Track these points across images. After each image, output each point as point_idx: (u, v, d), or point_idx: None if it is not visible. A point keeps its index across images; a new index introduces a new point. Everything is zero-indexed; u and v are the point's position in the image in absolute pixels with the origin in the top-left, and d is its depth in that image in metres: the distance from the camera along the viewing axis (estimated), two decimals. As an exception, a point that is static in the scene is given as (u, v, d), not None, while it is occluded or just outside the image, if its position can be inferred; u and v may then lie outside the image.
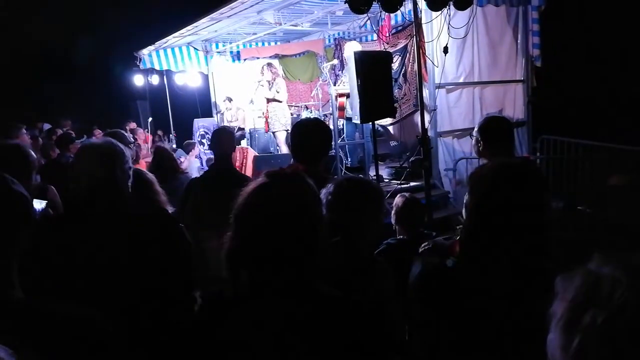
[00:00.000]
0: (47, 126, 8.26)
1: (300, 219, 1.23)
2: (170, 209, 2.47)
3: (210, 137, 9.75)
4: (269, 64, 8.09)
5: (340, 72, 7.89)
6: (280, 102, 7.75)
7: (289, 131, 8.16)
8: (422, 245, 2.15)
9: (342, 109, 7.00)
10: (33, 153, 2.39)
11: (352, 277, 1.62)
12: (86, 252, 1.63)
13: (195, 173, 6.63)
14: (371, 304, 1.54)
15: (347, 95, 6.88)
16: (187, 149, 8.01)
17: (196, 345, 1.27)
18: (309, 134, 2.57)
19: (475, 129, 2.85)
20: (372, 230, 1.83)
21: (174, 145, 10.64)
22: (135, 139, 8.49)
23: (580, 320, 0.73)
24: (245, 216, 1.24)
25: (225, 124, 9.14)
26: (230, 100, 9.53)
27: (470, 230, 1.40)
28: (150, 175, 2.55)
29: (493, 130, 2.81)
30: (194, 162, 7.95)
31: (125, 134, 4.20)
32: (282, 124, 7.76)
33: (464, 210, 1.45)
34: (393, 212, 3.06)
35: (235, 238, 1.24)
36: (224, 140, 3.50)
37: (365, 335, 1.22)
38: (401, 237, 2.98)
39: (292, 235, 1.21)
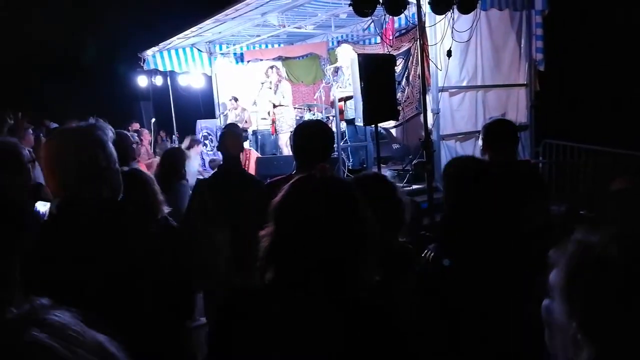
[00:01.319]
0: (54, 125, 8.26)
1: (342, 223, 1.18)
2: (166, 209, 2.45)
3: (212, 138, 9.81)
4: (273, 67, 8.14)
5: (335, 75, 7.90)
6: (286, 106, 7.82)
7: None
8: (426, 250, 2.16)
9: (341, 111, 7.03)
10: (27, 151, 2.34)
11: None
12: (79, 254, 1.54)
13: (194, 172, 6.59)
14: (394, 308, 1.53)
15: (346, 99, 6.90)
16: (190, 145, 7.91)
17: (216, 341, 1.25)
18: (310, 136, 2.56)
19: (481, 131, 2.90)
20: (395, 223, 1.81)
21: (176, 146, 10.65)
22: (141, 140, 8.51)
23: (578, 283, 0.79)
24: (286, 214, 1.20)
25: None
26: (236, 100, 9.57)
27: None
28: (148, 175, 2.51)
29: (496, 132, 2.85)
30: (195, 160, 7.88)
31: (129, 134, 4.20)
32: (289, 125, 7.85)
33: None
34: None
35: (275, 235, 1.20)
36: (233, 141, 3.52)
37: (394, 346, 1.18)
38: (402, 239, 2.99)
39: (332, 238, 1.16)
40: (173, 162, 3.95)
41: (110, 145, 1.67)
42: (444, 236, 1.47)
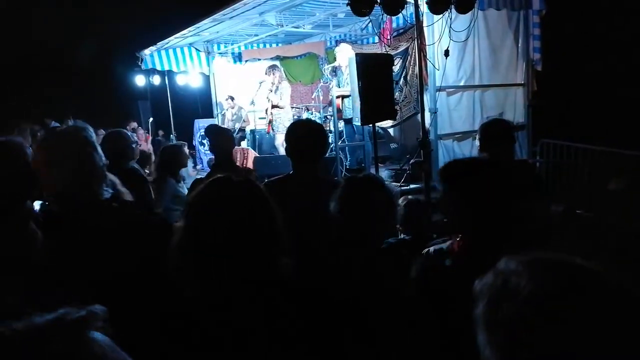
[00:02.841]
0: (54, 124, 8.25)
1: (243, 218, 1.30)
2: (159, 209, 2.45)
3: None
4: (275, 66, 8.14)
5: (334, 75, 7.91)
6: (283, 107, 7.82)
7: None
8: (426, 248, 2.17)
9: (338, 111, 7.04)
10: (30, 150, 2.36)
11: (360, 272, 1.64)
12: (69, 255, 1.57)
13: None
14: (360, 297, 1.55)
15: (343, 97, 6.90)
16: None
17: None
18: (303, 136, 2.54)
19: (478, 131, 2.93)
20: (384, 226, 1.83)
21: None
22: (138, 138, 8.53)
23: (497, 315, 0.78)
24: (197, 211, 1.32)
25: (227, 123, 9.17)
26: (232, 99, 9.57)
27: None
28: (143, 175, 2.50)
29: (492, 132, 2.88)
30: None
31: (129, 133, 4.20)
32: (285, 126, 7.83)
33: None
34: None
35: (186, 230, 1.31)
36: (222, 139, 3.52)
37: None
38: (403, 237, 3.00)
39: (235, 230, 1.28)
40: (170, 161, 3.94)
41: (97, 146, 1.76)
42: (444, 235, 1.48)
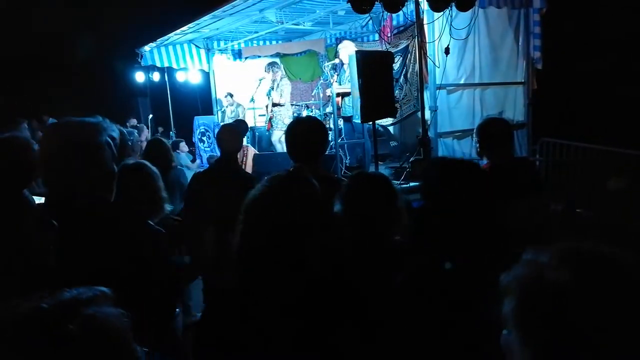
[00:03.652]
0: (52, 120, 8.25)
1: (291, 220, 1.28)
2: (168, 207, 2.43)
3: (210, 134, 9.80)
4: (275, 64, 8.13)
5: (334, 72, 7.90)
6: (283, 105, 7.82)
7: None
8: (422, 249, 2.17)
9: (338, 108, 7.02)
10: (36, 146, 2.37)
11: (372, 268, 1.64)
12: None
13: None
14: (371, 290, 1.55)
15: (343, 95, 6.89)
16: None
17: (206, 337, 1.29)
18: (303, 133, 2.54)
19: (475, 130, 2.90)
20: (391, 221, 1.83)
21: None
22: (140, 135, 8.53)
23: (534, 310, 0.74)
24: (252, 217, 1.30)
25: (227, 120, 9.16)
26: (231, 96, 9.55)
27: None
28: (154, 170, 2.46)
29: (490, 131, 2.86)
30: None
31: (125, 130, 4.19)
32: (285, 123, 7.84)
33: None
34: None
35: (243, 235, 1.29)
36: (231, 138, 3.51)
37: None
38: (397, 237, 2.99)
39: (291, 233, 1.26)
40: (154, 154, 3.94)
41: (107, 146, 1.67)
42: (442, 237, 1.47)
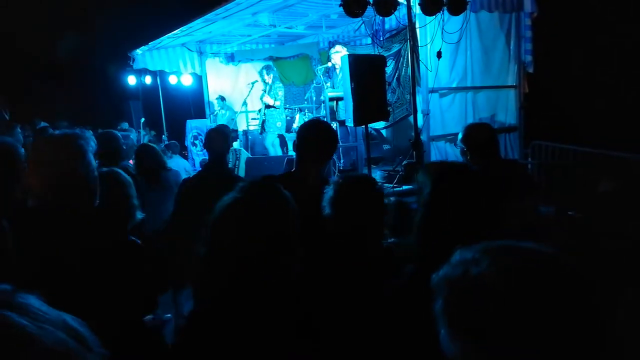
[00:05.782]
0: (43, 124, 8.19)
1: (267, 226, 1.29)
2: (140, 215, 2.41)
3: (202, 138, 9.76)
4: (269, 67, 8.15)
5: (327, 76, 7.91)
6: (277, 108, 7.83)
7: (282, 135, 8.22)
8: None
9: (333, 112, 7.03)
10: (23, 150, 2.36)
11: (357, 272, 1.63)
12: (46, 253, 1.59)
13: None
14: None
15: (337, 99, 6.91)
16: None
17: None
18: (320, 134, 2.50)
19: (459, 139, 2.91)
20: (376, 227, 1.83)
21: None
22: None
23: (461, 307, 0.75)
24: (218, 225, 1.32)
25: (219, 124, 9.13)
26: (223, 99, 9.53)
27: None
28: (125, 178, 2.44)
29: (475, 138, 2.87)
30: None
31: (119, 134, 4.17)
32: (277, 127, 7.86)
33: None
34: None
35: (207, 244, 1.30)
36: (218, 140, 3.49)
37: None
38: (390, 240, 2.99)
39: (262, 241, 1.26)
40: (143, 160, 3.93)
41: (90, 155, 1.77)
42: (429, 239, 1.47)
